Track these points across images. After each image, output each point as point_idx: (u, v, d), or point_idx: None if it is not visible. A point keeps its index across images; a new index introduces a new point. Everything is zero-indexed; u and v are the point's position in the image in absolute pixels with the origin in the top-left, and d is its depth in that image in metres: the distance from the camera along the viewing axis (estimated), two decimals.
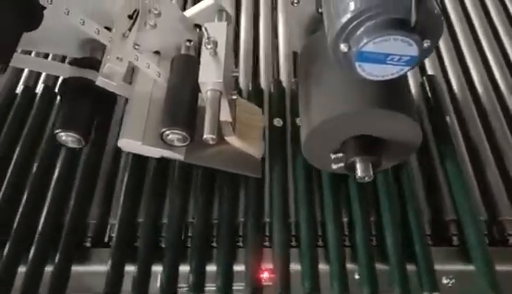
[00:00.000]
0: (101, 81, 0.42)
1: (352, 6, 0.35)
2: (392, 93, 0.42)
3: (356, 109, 0.42)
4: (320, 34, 0.46)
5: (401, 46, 0.34)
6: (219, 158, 0.49)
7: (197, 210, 0.48)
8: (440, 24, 0.35)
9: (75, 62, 0.47)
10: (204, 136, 0.40)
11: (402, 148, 0.45)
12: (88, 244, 0.47)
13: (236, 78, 0.59)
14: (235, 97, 0.47)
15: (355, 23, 0.35)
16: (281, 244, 0.45)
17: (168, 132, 0.43)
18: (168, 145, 0.45)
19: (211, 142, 0.41)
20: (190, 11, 0.49)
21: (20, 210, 0.47)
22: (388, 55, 0.35)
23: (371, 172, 0.43)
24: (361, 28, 0.35)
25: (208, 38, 0.42)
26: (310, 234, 0.46)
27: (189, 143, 0.45)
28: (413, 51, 0.35)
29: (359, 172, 0.43)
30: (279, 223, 0.47)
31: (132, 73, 0.48)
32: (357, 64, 0.36)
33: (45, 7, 0.39)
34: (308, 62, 0.47)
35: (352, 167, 0.44)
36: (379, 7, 0.34)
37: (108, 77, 0.42)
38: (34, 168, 0.50)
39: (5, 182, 0.49)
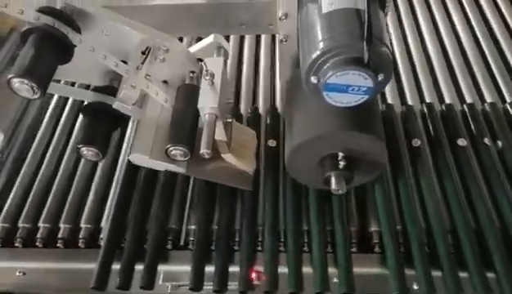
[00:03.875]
0: (117, 105, 0.51)
1: (320, 45, 0.43)
2: (361, 118, 0.50)
3: (330, 132, 0.49)
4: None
5: (359, 78, 0.42)
6: (216, 173, 0.57)
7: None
8: (389, 61, 0.42)
9: (96, 89, 0.56)
10: (201, 151, 0.48)
11: (371, 165, 0.52)
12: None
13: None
14: (230, 120, 0.55)
15: (322, 59, 0.43)
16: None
17: (171, 148, 0.51)
18: (172, 160, 0.52)
19: (206, 156, 0.48)
20: (194, 47, 0.57)
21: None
22: (349, 86, 0.43)
23: (344, 186, 0.50)
24: (328, 64, 0.43)
25: (206, 71, 0.51)
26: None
27: (190, 158, 0.52)
28: (369, 83, 0.42)
29: (334, 186, 0.50)
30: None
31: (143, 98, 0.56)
32: (324, 93, 0.44)
33: (75, 45, 0.49)
34: (291, 91, 0.55)
35: (328, 181, 0.51)
36: (340, 47, 0.42)
37: (123, 102, 0.50)
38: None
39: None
